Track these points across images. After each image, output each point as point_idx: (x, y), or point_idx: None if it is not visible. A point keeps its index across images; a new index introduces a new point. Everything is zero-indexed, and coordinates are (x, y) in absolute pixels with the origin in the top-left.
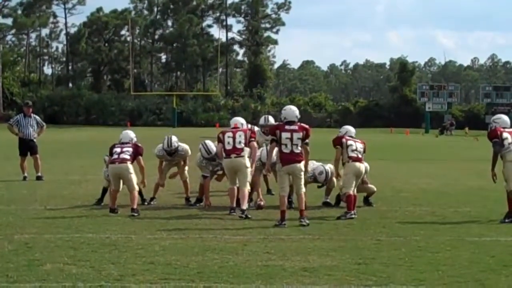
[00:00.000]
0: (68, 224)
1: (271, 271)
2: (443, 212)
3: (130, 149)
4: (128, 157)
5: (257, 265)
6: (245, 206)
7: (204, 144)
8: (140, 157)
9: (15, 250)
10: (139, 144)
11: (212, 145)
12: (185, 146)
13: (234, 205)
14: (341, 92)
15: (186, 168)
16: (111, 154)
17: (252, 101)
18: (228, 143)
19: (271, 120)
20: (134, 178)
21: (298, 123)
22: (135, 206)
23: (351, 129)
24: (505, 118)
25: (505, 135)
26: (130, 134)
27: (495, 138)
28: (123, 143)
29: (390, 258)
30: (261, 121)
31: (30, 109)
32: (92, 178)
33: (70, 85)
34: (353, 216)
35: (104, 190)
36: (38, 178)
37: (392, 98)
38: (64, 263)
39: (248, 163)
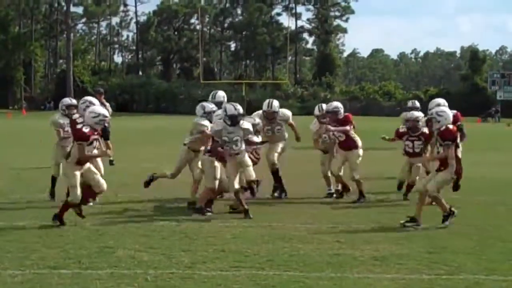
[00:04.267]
0: (138, 212)
1: (341, 260)
2: None
3: None
4: None
5: (327, 254)
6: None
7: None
8: None
9: (88, 237)
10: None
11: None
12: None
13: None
14: (410, 81)
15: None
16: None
17: (321, 90)
18: None
19: (275, 104)
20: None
21: None
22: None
23: None
24: None
25: None
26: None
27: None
28: None
29: (461, 247)
30: (264, 106)
31: (102, 95)
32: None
33: (140, 73)
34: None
35: None
36: (111, 162)
37: (463, 87)
38: (135, 250)
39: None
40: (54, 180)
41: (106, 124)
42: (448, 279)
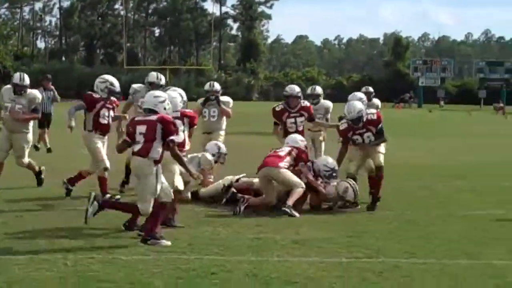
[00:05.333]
0: (58, 196)
1: (262, 243)
2: (435, 187)
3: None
4: None
5: (248, 237)
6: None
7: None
8: None
9: (5, 223)
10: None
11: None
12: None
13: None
14: (334, 67)
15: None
16: None
17: (245, 76)
18: None
19: (217, 85)
20: None
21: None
22: None
23: None
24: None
25: None
26: None
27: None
28: None
29: (381, 231)
30: (207, 86)
31: (50, 82)
32: None
33: (63, 59)
34: None
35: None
36: (37, 149)
37: (386, 73)
38: (55, 236)
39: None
40: None
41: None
42: (367, 262)
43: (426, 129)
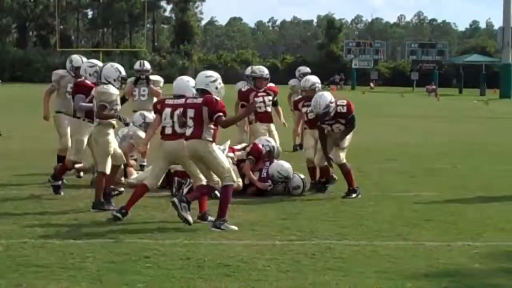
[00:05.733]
0: None
1: (196, 227)
2: (367, 168)
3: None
4: None
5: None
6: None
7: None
8: None
9: None
10: None
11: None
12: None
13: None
14: (268, 49)
15: None
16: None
17: (179, 58)
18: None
19: (147, 64)
20: None
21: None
22: None
23: None
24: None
25: None
26: None
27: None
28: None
29: (314, 213)
30: (137, 65)
31: None
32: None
33: None
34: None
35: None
36: None
37: (320, 55)
38: None
39: None
40: None
41: None
42: (300, 244)
43: (358, 111)
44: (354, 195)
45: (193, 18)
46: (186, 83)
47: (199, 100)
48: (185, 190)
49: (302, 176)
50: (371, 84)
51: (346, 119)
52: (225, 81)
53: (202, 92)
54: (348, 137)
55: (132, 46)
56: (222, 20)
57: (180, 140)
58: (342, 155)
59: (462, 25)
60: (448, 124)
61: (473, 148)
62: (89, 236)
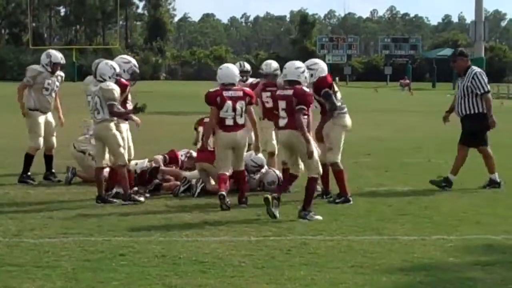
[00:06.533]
0: None
1: (171, 224)
2: (342, 163)
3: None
4: None
5: (157, 218)
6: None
7: None
8: None
9: None
10: None
11: None
12: None
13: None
14: (242, 45)
15: None
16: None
17: (152, 55)
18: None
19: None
20: None
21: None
22: None
23: None
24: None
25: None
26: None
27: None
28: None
29: (290, 209)
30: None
31: None
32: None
33: None
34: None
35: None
36: None
37: (293, 51)
38: None
39: None
40: None
41: None
42: (276, 240)
43: None
44: (338, 200)
45: (166, 15)
46: (234, 71)
47: (290, 91)
48: (199, 189)
49: (278, 172)
50: (336, 79)
51: (322, 95)
52: (198, 77)
53: (291, 83)
54: (335, 136)
55: (105, 44)
56: (195, 17)
57: (240, 131)
58: (330, 155)
59: (434, 19)
60: (422, 118)
61: (447, 142)
62: (63, 234)
